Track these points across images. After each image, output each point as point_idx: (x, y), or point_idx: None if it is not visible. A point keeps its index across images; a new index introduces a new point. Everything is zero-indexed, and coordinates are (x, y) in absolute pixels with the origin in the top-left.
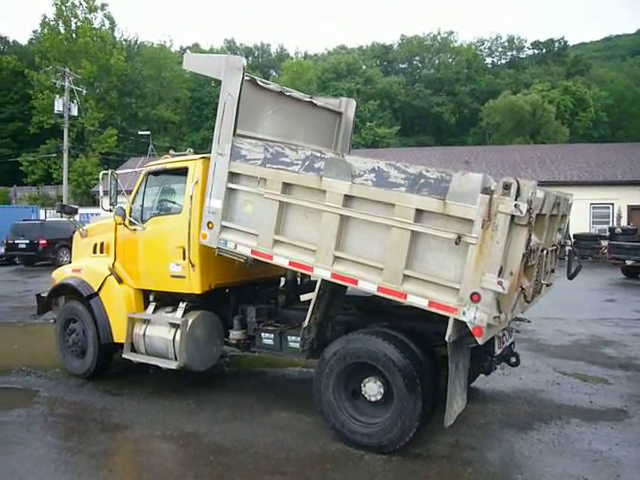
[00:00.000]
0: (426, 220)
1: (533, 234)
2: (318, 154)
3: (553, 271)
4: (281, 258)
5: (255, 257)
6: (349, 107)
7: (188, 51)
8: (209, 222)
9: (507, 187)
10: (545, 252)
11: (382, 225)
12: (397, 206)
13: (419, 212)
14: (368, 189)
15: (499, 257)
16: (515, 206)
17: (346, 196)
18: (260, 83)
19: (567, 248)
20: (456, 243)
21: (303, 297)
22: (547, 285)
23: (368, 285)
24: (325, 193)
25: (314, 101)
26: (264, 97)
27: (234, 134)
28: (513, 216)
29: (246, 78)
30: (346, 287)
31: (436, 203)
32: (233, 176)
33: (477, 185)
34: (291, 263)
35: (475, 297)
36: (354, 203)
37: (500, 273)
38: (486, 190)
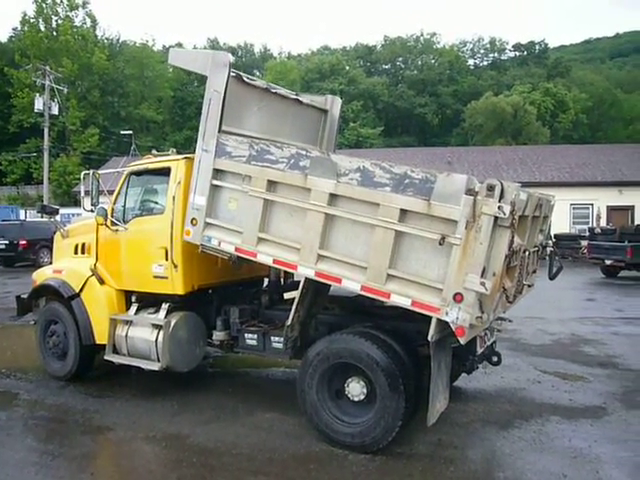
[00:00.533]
0: (410, 220)
1: (516, 235)
2: (303, 152)
3: (535, 272)
4: (265, 256)
5: (239, 255)
6: (334, 105)
7: (175, 47)
8: (193, 219)
9: (491, 189)
10: (527, 253)
11: (367, 224)
12: (382, 206)
13: (404, 212)
14: (353, 188)
15: (482, 258)
16: (498, 208)
17: (331, 195)
18: (246, 79)
19: (548, 249)
20: (440, 244)
21: (287, 295)
22: (529, 286)
23: (352, 284)
24: (310, 191)
25: (300, 98)
26: (250, 94)
27: (219, 130)
28: (496, 217)
29: (232, 74)
30: (329, 285)
31: (421, 203)
32: (218, 173)
33: (461, 186)
34: (275, 261)
35: (458, 297)
36: (339, 202)
37: (483, 274)
38: (470, 191)
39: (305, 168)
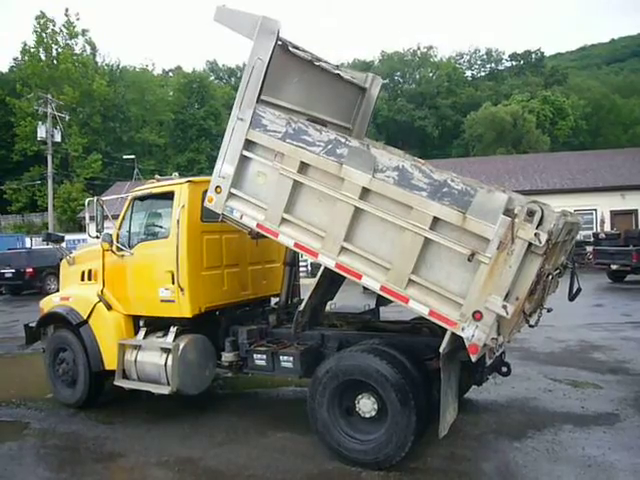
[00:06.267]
0: (442, 229)
1: (546, 263)
2: (342, 140)
3: (554, 291)
4: (287, 238)
5: (260, 231)
6: (374, 84)
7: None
8: (217, 186)
9: (531, 214)
10: (550, 277)
11: (396, 225)
12: (415, 210)
13: (436, 220)
14: (388, 187)
15: (508, 281)
16: (535, 234)
17: (364, 189)
18: (291, 49)
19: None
20: (469, 259)
21: (303, 281)
22: (548, 311)
23: (371, 282)
24: (343, 181)
25: (341, 73)
26: (293, 64)
27: (258, 100)
28: (530, 244)
29: (278, 43)
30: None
31: (455, 215)
32: (250, 144)
33: (500, 205)
34: (296, 245)
35: (477, 315)
36: (371, 197)
37: (506, 297)
38: (508, 212)
39: (342, 156)
